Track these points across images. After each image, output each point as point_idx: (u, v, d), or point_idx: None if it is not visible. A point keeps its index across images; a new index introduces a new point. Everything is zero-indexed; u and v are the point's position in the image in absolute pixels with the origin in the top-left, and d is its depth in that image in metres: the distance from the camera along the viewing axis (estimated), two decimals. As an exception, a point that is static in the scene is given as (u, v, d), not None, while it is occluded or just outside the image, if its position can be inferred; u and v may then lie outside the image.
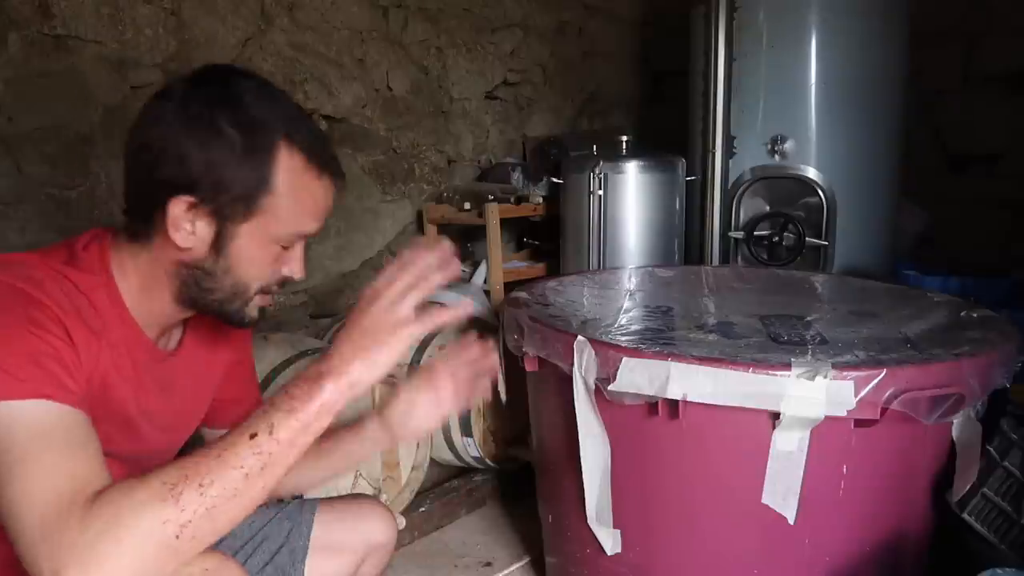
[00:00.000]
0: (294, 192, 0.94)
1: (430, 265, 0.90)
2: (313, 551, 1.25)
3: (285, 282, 1.02)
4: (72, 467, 0.77)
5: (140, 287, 0.97)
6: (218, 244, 0.93)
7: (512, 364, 1.73)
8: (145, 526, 0.73)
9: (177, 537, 0.75)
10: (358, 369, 0.84)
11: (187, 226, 0.91)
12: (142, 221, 0.94)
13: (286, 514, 1.26)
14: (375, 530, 1.30)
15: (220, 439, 0.81)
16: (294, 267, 1.01)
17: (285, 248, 0.99)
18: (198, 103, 0.91)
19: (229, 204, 0.91)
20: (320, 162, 0.96)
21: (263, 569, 1.21)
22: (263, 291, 1.00)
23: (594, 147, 2.65)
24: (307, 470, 1.17)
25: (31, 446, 0.77)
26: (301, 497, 1.32)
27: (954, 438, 1.35)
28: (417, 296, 0.89)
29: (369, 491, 2.00)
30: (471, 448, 2.23)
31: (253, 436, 0.80)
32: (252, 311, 1.01)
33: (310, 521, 1.26)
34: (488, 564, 1.98)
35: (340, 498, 1.40)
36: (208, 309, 0.99)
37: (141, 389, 1.00)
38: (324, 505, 1.30)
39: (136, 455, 1.02)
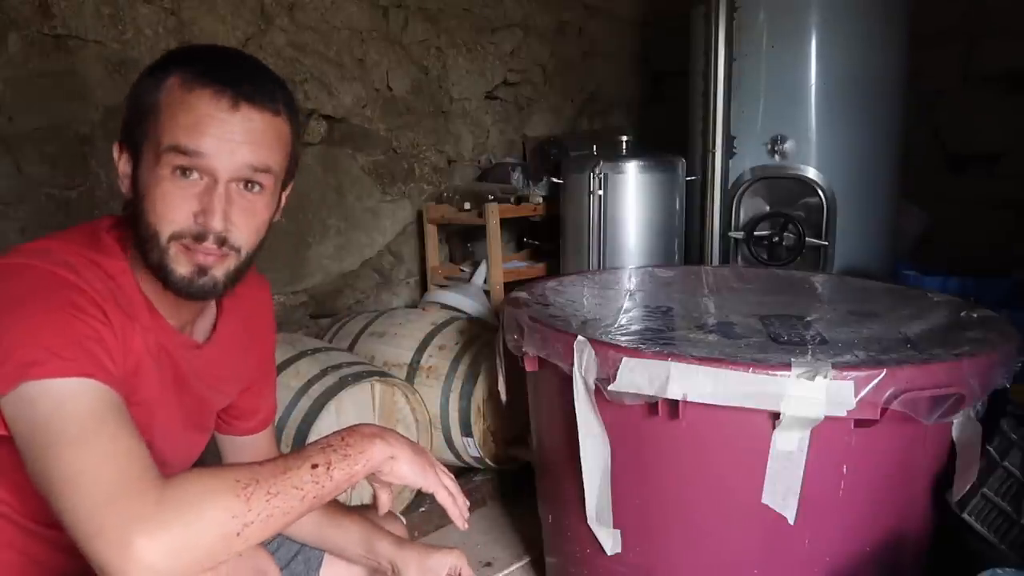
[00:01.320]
0: (170, 107, 0.92)
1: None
2: (328, 559, 1.26)
3: (208, 233, 0.93)
4: (129, 445, 0.79)
5: (150, 272, 0.98)
6: (134, 178, 0.95)
7: (512, 364, 1.73)
8: (216, 515, 0.77)
9: (238, 534, 0.78)
10: (402, 455, 0.98)
11: (122, 169, 0.96)
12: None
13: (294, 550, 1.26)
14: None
15: (281, 459, 0.86)
16: (206, 210, 0.92)
17: (184, 175, 0.91)
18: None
19: (132, 130, 0.94)
20: (202, 76, 0.92)
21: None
22: (184, 243, 0.93)
23: (594, 147, 2.65)
24: (308, 525, 1.21)
25: (87, 423, 0.78)
26: None
27: (954, 438, 1.35)
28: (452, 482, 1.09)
29: (369, 491, 2.00)
30: (471, 448, 2.23)
31: (315, 467, 0.87)
32: (176, 264, 0.93)
33: (320, 556, 1.26)
34: (488, 564, 1.98)
35: (354, 508, 1.38)
36: (151, 268, 0.95)
37: (166, 376, 1.01)
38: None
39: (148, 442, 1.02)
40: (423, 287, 3.09)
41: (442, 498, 1.06)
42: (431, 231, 3.01)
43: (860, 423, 1.23)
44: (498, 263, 2.74)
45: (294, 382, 1.95)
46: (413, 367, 2.28)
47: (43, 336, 0.81)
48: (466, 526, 1.08)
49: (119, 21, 2.15)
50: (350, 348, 2.40)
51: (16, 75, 1.99)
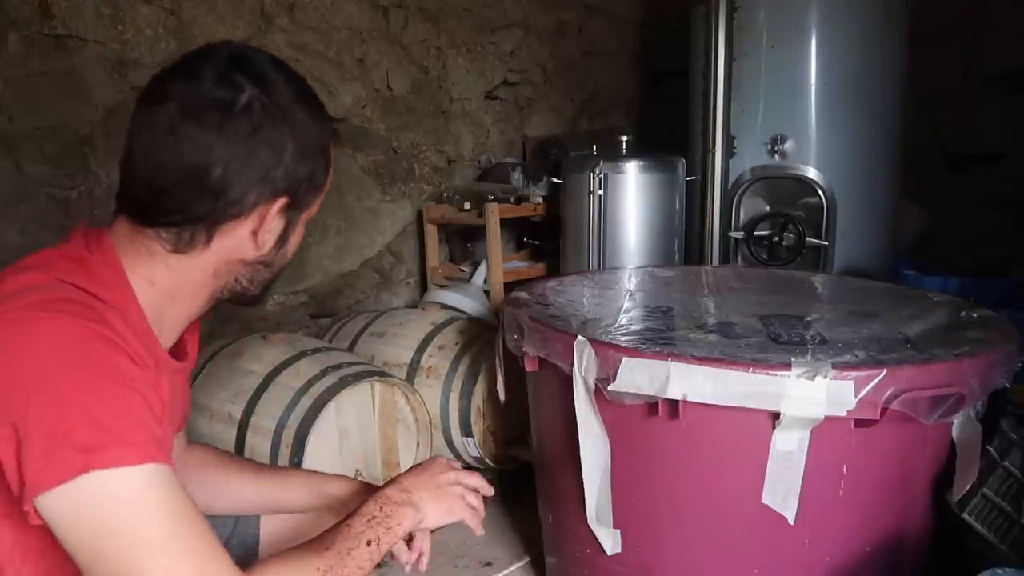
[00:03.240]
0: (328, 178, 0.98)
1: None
2: (265, 536, 1.24)
3: None
4: (202, 539, 0.78)
5: (169, 296, 0.91)
6: (284, 236, 0.96)
7: (512, 364, 1.73)
8: None
9: None
10: (428, 511, 1.06)
11: (275, 225, 0.93)
12: (190, 230, 0.87)
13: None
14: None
15: (340, 538, 0.92)
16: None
17: None
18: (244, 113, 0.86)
19: (305, 197, 0.94)
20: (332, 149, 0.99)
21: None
22: None
23: (594, 147, 2.65)
24: (250, 491, 1.21)
25: (159, 523, 0.74)
26: None
27: (954, 438, 1.35)
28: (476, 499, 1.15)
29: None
30: (471, 448, 2.23)
31: (369, 543, 0.94)
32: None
33: (256, 539, 1.24)
34: (488, 564, 1.98)
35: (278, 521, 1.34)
36: (235, 298, 0.98)
37: (166, 409, 0.94)
38: (266, 526, 1.27)
39: None
40: (423, 287, 3.09)
41: (472, 524, 1.13)
42: (431, 231, 3.01)
43: (860, 423, 1.23)
44: (498, 263, 2.74)
45: (294, 382, 1.95)
46: (413, 367, 2.28)
47: (96, 413, 0.72)
48: (482, 531, 1.16)
49: (119, 21, 2.16)
50: (350, 348, 2.40)
51: (16, 75, 1.99)
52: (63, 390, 0.72)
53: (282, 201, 0.90)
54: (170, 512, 0.75)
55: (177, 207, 0.85)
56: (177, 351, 1.01)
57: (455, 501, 1.09)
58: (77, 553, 0.73)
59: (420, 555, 1.12)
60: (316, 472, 1.28)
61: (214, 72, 0.84)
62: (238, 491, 1.20)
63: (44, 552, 0.80)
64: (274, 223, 0.92)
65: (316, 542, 0.91)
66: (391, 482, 1.06)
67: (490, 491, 1.19)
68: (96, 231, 0.91)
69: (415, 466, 1.12)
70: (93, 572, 0.73)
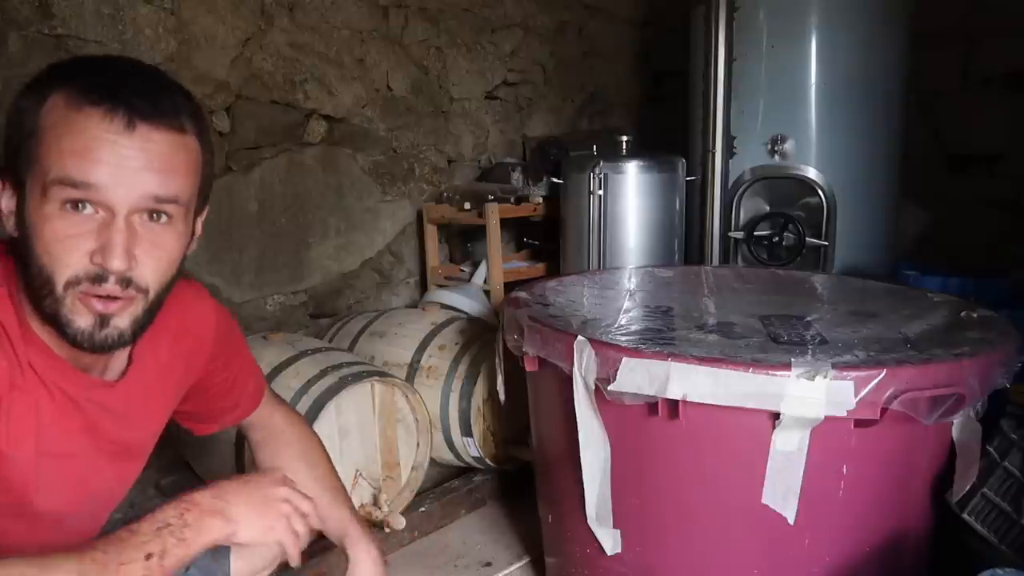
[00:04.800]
0: (53, 131, 0.80)
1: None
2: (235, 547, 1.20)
3: (107, 274, 0.82)
4: None
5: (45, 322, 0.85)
6: (20, 214, 0.83)
7: (512, 364, 1.73)
8: None
9: None
10: (242, 524, 0.88)
11: (5, 205, 0.85)
12: None
13: None
14: None
15: (118, 544, 0.79)
16: (105, 248, 0.80)
17: (76, 209, 0.81)
18: None
19: (13, 160, 0.82)
20: (88, 92, 0.80)
21: (187, 572, 1.13)
22: (82, 290, 0.82)
23: (594, 147, 2.66)
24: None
25: None
26: (194, 474, 1.28)
27: (954, 438, 1.35)
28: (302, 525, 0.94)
29: (369, 491, 2.00)
30: (471, 448, 2.23)
31: (149, 557, 0.79)
32: (74, 315, 0.83)
33: None
34: (488, 564, 1.98)
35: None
36: (45, 318, 0.85)
37: (72, 426, 0.90)
38: None
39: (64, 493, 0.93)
40: (423, 287, 3.09)
41: (290, 551, 0.93)
42: (431, 231, 3.01)
43: (860, 423, 1.23)
44: (498, 263, 2.74)
45: (294, 382, 1.95)
46: (413, 367, 2.28)
47: None
48: (297, 562, 0.97)
49: (119, 21, 2.15)
50: (350, 348, 2.40)
51: (16, 75, 1.99)
52: None
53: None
54: None
55: None
56: (111, 374, 0.97)
57: (278, 520, 0.91)
58: None
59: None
60: (353, 519, 1.23)
61: None
62: (286, 468, 1.16)
63: None
64: (4, 199, 0.85)
65: (90, 545, 0.79)
66: (208, 485, 0.91)
67: (317, 525, 1.00)
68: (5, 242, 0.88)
69: (245, 475, 0.97)
70: None
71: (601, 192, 2.43)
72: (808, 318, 1.66)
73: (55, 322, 0.83)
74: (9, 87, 1.98)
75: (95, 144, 0.79)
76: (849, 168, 2.41)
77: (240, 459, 1.86)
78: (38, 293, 0.82)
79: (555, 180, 2.66)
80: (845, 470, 1.29)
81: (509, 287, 2.55)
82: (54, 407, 0.88)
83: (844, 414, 1.20)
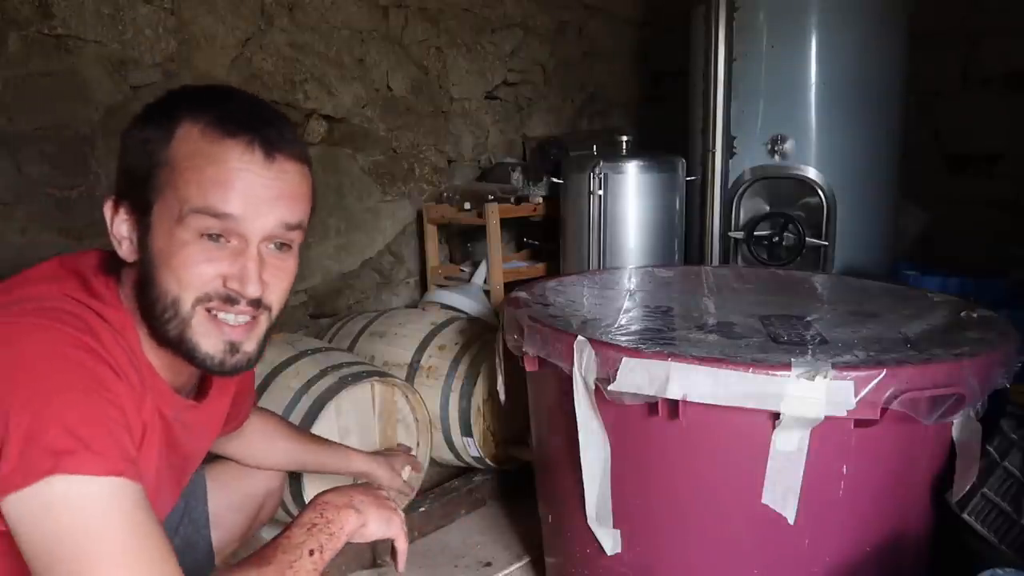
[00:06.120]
0: (191, 160, 0.82)
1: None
2: (214, 514, 1.28)
3: (240, 298, 0.85)
4: (161, 557, 0.75)
5: (163, 346, 0.89)
6: (143, 241, 0.84)
7: (512, 364, 1.73)
8: None
9: None
10: (370, 518, 0.99)
11: (119, 230, 0.86)
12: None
13: None
14: (265, 480, 1.36)
15: (280, 551, 0.87)
16: (241, 276, 0.84)
17: (212, 239, 0.83)
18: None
19: (135, 190, 0.84)
20: (224, 123, 0.83)
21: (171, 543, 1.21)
22: (208, 307, 0.85)
23: (594, 147, 2.65)
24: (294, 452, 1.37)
25: (119, 537, 0.72)
26: None
27: (954, 438, 1.35)
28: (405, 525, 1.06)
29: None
30: (471, 448, 2.23)
31: (311, 553, 0.89)
32: (204, 339, 0.85)
33: (204, 487, 1.28)
34: (488, 564, 1.98)
35: (224, 460, 1.38)
36: (168, 342, 0.87)
37: (160, 441, 0.92)
38: (212, 470, 1.32)
39: None
40: (423, 287, 3.09)
41: (401, 546, 1.05)
42: (431, 231, 3.01)
43: (860, 423, 1.23)
44: (498, 263, 2.74)
45: (294, 382, 1.95)
46: (413, 367, 2.28)
47: (71, 420, 0.71)
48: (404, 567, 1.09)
49: (119, 21, 2.15)
50: (350, 348, 2.40)
51: (16, 75, 1.99)
52: (42, 394, 0.72)
53: (109, 200, 0.88)
54: (127, 526, 0.73)
55: None
56: (197, 394, 1.02)
57: (393, 514, 1.02)
58: (33, 559, 0.71)
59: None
60: (345, 448, 1.50)
61: None
62: (285, 450, 1.37)
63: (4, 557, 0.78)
64: (121, 227, 0.87)
65: (257, 556, 0.87)
66: (329, 490, 1.01)
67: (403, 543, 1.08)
68: (109, 252, 0.91)
69: (350, 484, 1.09)
70: None
71: (601, 192, 2.43)
72: (808, 318, 1.66)
73: (180, 346, 0.86)
74: (9, 87, 1.98)
75: (236, 175, 0.82)
76: (849, 168, 2.41)
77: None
78: (161, 316, 0.84)
79: (555, 180, 2.66)
80: (845, 470, 1.29)
81: (509, 287, 2.55)
82: (155, 429, 0.90)
83: (844, 414, 1.20)
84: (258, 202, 0.83)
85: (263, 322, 0.89)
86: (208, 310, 0.85)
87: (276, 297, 0.89)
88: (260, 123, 0.84)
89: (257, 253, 0.85)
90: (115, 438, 0.75)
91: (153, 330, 0.86)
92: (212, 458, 1.30)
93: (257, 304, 0.86)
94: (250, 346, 0.89)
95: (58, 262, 0.90)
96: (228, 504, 1.31)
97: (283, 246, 0.88)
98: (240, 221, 0.82)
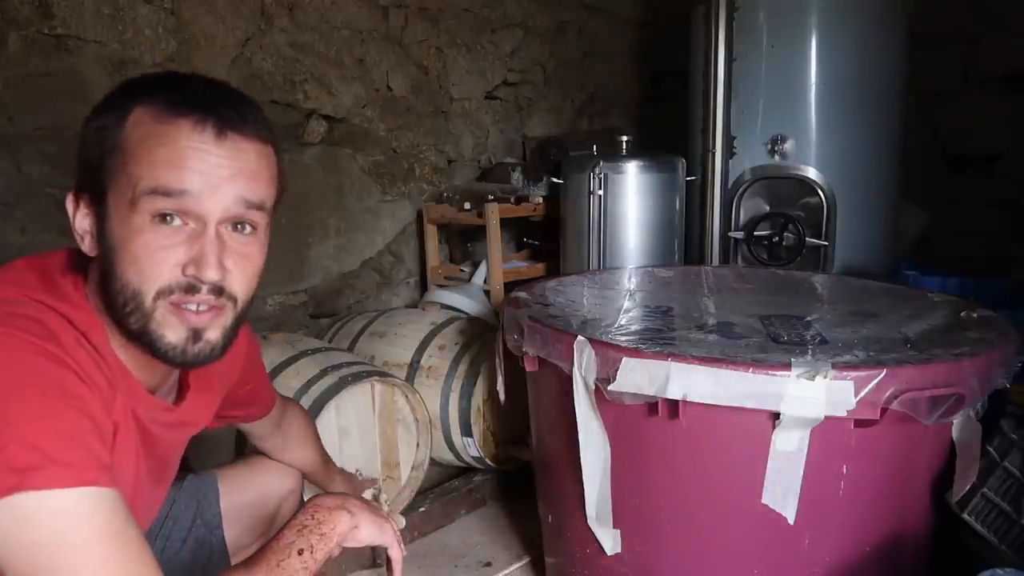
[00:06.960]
0: (143, 142, 0.80)
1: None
2: (227, 515, 1.28)
3: (200, 285, 0.82)
4: (139, 562, 0.73)
5: (128, 338, 0.86)
6: (100, 232, 0.82)
7: (512, 364, 1.73)
8: None
9: None
10: (362, 520, 0.98)
11: (80, 224, 0.84)
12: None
13: (189, 491, 1.27)
14: (279, 481, 1.36)
15: (269, 553, 0.88)
16: (198, 259, 0.80)
17: (167, 222, 0.80)
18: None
19: (92, 178, 0.82)
20: (176, 105, 0.80)
21: (184, 544, 1.23)
22: (173, 300, 0.81)
23: (594, 147, 2.65)
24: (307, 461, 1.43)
25: (94, 548, 0.70)
26: (192, 472, 1.32)
27: (954, 438, 1.35)
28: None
29: (369, 491, 1.99)
30: (471, 448, 2.23)
31: (301, 553, 0.89)
32: (165, 329, 0.82)
33: (215, 490, 1.28)
34: (488, 564, 1.98)
35: (235, 463, 1.39)
36: (131, 335, 0.83)
37: (134, 442, 0.90)
38: (223, 472, 1.32)
39: None
40: (423, 287, 3.09)
41: (395, 555, 1.04)
42: (431, 231, 3.01)
43: (860, 423, 1.23)
44: (498, 263, 2.74)
45: (294, 382, 1.95)
46: (413, 367, 2.28)
47: (34, 433, 0.69)
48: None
49: (119, 21, 2.15)
50: (350, 348, 2.40)
51: (16, 75, 1.99)
52: (1, 408, 0.70)
53: (70, 194, 0.86)
54: (104, 535, 0.71)
55: None
56: (177, 397, 1.01)
57: (386, 522, 1.01)
58: (10, 573, 0.69)
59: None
60: (345, 473, 1.58)
61: None
62: (310, 460, 1.43)
63: None
64: (82, 220, 0.85)
65: (247, 560, 0.89)
66: (323, 493, 1.01)
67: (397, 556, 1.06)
68: (76, 250, 0.88)
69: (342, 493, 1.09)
70: None
71: (601, 192, 2.43)
72: (808, 318, 1.66)
73: (142, 338, 0.82)
74: (9, 87, 1.98)
75: (187, 153, 0.79)
76: (849, 168, 2.41)
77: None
78: (123, 310, 0.81)
79: (555, 180, 2.66)
80: (845, 470, 1.29)
81: (509, 287, 2.55)
82: (124, 426, 0.87)
83: (844, 414, 1.20)
84: (213, 180, 0.80)
85: (228, 313, 0.85)
86: (171, 303, 0.81)
87: (240, 287, 0.85)
88: (215, 103, 0.82)
89: (216, 235, 0.81)
90: (84, 446, 0.72)
91: (117, 324, 0.84)
92: (225, 461, 1.32)
93: (219, 292, 0.83)
94: (213, 335, 0.84)
95: (25, 263, 0.87)
96: (242, 504, 1.30)
97: (242, 226, 0.84)
98: (195, 199, 0.79)
